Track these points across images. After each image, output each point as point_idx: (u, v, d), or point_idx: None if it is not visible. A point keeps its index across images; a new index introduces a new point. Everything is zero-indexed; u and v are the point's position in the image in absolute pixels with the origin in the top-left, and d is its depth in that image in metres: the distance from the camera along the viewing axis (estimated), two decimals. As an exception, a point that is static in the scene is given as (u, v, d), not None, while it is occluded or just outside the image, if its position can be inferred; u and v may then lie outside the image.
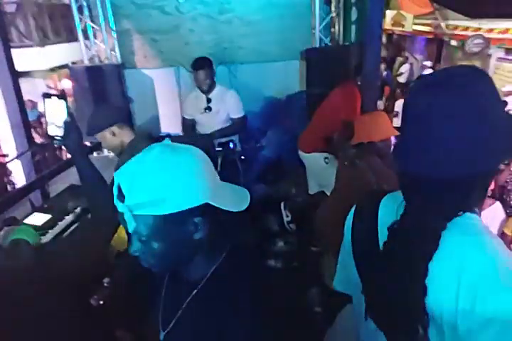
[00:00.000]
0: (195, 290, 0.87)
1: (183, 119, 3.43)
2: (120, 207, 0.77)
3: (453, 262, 0.71)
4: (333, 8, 4.21)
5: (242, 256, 0.96)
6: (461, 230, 0.73)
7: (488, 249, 0.70)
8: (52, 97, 1.28)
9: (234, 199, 0.85)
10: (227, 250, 0.91)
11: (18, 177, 5.50)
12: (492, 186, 3.01)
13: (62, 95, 1.30)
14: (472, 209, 0.77)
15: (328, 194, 3.00)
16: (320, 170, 3.01)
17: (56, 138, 1.29)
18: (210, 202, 0.79)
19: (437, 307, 0.71)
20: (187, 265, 0.87)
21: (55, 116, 1.27)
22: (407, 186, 0.79)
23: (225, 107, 3.24)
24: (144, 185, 0.75)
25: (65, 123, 1.27)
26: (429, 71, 10.02)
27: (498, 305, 0.66)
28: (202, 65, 3.10)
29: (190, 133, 3.39)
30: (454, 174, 0.71)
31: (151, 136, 2.14)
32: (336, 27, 4.32)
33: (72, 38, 8.26)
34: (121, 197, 0.76)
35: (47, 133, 1.31)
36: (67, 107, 1.27)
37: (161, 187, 0.75)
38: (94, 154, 4.15)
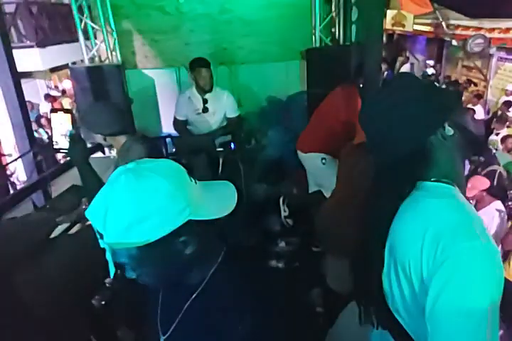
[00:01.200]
0: (195, 295, 0.86)
1: (175, 120, 3.34)
2: (101, 243, 0.74)
3: (422, 219, 0.81)
4: (333, 8, 4.21)
5: (240, 256, 0.95)
6: (433, 195, 0.85)
7: (455, 208, 0.82)
8: (59, 112, 1.38)
9: (219, 203, 0.83)
10: (224, 251, 0.90)
11: (20, 178, 5.52)
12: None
13: (67, 109, 1.39)
14: (446, 180, 0.88)
15: (325, 193, 3.01)
16: (317, 170, 3.01)
17: (62, 150, 1.38)
18: (192, 218, 0.76)
19: (406, 259, 0.80)
20: (185, 274, 0.86)
21: (61, 130, 1.36)
22: (378, 159, 0.96)
23: (222, 108, 3.23)
24: (117, 220, 0.72)
25: (71, 136, 1.35)
26: (431, 70, 10.03)
27: (456, 252, 0.74)
28: (205, 63, 3.08)
29: (184, 133, 3.36)
30: (399, 144, 0.88)
31: (145, 137, 2.12)
32: (336, 27, 4.32)
33: (72, 38, 8.25)
34: (100, 234, 0.74)
35: (53, 145, 1.40)
36: (72, 121, 1.35)
37: (135, 218, 0.71)
38: (96, 155, 4.15)
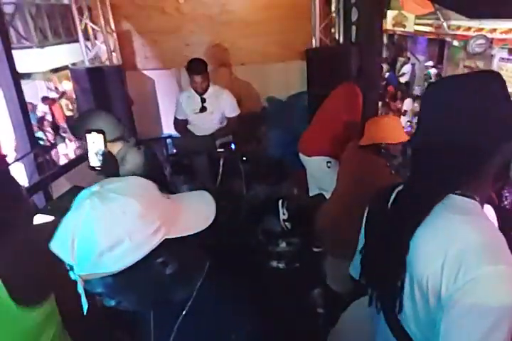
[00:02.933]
0: (184, 312, 0.82)
1: (176, 120, 3.36)
2: (72, 274, 0.69)
3: (443, 236, 0.78)
4: (333, 8, 4.21)
5: (224, 265, 0.91)
6: (458, 210, 0.81)
7: (478, 227, 0.78)
8: (93, 133, 1.50)
9: (197, 215, 0.78)
10: (208, 263, 0.87)
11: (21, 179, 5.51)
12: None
13: (101, 130, 1.50)
14: (472, 195, 0.83)
15: (327, 196, 3.00)
16: (321, 174, 2.97)
17: (96, 168, 1.50)
18: (168, 237, 0.71)
19: (425, 275, 0.78)
20: (169, 295, 0.82)
21: (95, 149, 1.48)
22: (419, 158, 0.89)
23: (220, 107, 3.23)
24: (86, 250, 0.66)
25: (103, 154, 1.46)
26: (432, 70, 10.02)
27: (478, 278, 0.72)
28: (199, 69, 3.07)
29: (184, 133, 3.36)
30: (457, 145, 0.81)
31: (139, 142, 2.10)
32: (336, 27, 4.32)
33: (71, 38, 8.27)
34: (69, 265, 0.69)
35: (89, 164, 1.52)
36: (105, 140, 1.47)
37: (106, 245, 0.66)
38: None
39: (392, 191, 0.94)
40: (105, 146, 1.50)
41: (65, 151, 6.90)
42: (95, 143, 1.52)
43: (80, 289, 0.69)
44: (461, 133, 0.80)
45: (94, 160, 1.53)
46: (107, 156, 1.47)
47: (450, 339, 0.73)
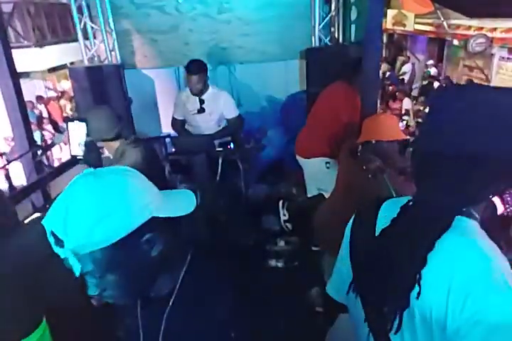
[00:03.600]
0: (170, 303, 0.84)
1: (173, 119, 3.36)
2: (61, 252, 0.71)
3: (447, 262, 0.72)
4: (332, 8, 4.21)
5: (207, 255, 0.94)
6: (459, 231, 0.75)
7: (483, 252, 0.72)
8: (75, 121, 1.48)
9: (180, 203, 0.83)
10: (190, 253, 0.89)
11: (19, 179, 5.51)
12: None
13: (82, 119, 1.49)
14: (473, 214, 0.78)
15: (327, 197, 2.98)
16: (321, 174, 2.95)
17: (78, 156, 1.49)
18: (155, 215, 0.76)
19: (428, 305, 0.72)
20: (154, 284, 0.84)
21: (77, 138, 1.46)
22: (425, 168, 0.82)
23: (219, 108, 3.21)
24: (79, 222, 0.70)
25: (86, 143, 1.45)
26: (433, 69, 10.02)
27: (487, 307, 0.67)
28: (196, 69, 3.05)
29: (182, 133, 3.36)
30: (470, 157, 0.74)
31: (138, 140, 2.10)
32: (336, 27, 4.32)
33: (70, 38, 8.25)
34: (60, 241, 0.70)
35: (70, 152, 1.51)
36: (87, 129, 1.46)
37: (97, 216, 0.70)
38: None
39: (377, 208, 0.89)
40: (87, 135, 1.48)
41: (59, 155, 6.38)
42: (77, 132, 1.50)
43: (73, 261, 0.71)
44: (483, 145, 0.74)
45: (76, 149, 1.52)
46: (90, 145, 1.46)
47: None
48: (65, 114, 8.89)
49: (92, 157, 1.46)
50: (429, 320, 0.72)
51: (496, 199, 0.89)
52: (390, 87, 9.58)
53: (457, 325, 0.68)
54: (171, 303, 0.85)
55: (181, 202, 0.84)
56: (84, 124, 1.46)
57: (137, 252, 0.76)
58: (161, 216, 0.77)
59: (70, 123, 1.50)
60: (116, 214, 0.71)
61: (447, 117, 0.78)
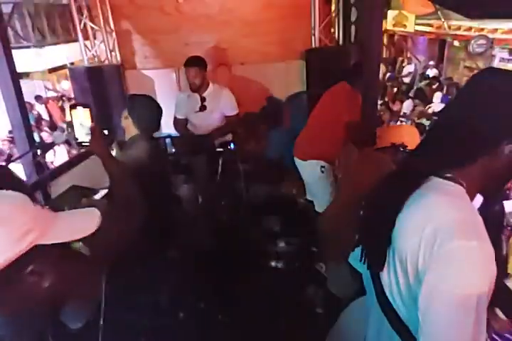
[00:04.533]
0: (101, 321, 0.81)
1: (175, 119, 3.36)
2: None
3: (422, 214, 0.83)
4: (333, 9, 4.21)
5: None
6: (439, 191, 0.85)
7: (454, 207, 0.82)
8: (78, 107, 1.45)
9: (79, 225, 0.77)
10: (104, 278, 0.86)
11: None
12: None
13: (86, 104, 1.46)
14: (458, 180, 0.86)
15: (316, 206, 2.96)
16: (314, 179, 2.93)
17: (84, 143, 1.44)
18: (39, 243, 0.69)
19: (404, 251, 0.83)
20: (57, 318, 0.77)
21: (82, 124, 1.43)
22: (430, 133, 0.96)
23: (220, 106, 3.22)
24: None
25: (91, 129, 1.41)
26: (434, 70, 9.99)
27: (451, 250, 0.76)
28: (192, 62, 3.07)
29: (184, 133, 3.36)
30: (468, 130, 0.83)
31: (153, 137, 2.15)
32: (336, 27, 4.32)
33: (70, 38, 8.25)
34: None
35: (76, 139, 1.46)
36: (92, 115, 1.42)
37: None
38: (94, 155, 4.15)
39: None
40: (92, 121, 1.45)
41: (52, 158, 6.02)
42: (82, 118, 1.47)
43: None
44: (478, 121, 0.83)
45: (82, 136, 1.48)
46: (96, 131, 1.42)
47: (427, 311, 0.77)
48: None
49: (99, 143, 1.45)
50: (405, 265, 0.83)
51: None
52: (394, 89, 9.51)
53: (426, 267, 0.78)
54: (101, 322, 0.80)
55: (82, 223, 0.78)
56: (88, 110, 1.45)
57: (24, 286, 0.69)
58: (47, 243, 0.70)
59: (73, 110, 1.48)
60: None
61: (479, 94, 0.86)
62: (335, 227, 2.18)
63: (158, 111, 2.17)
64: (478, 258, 0.76)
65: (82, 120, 1.45)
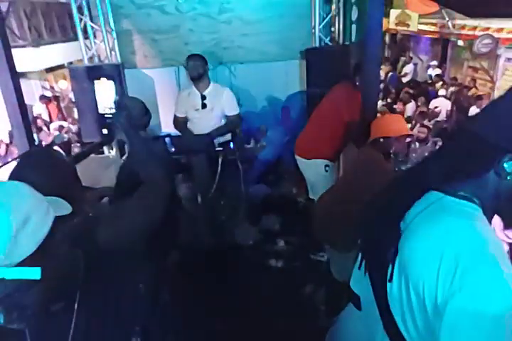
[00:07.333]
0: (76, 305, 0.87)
1: (175, 117, 3.35)
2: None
3: (438, 238, 0.76)
4: (333, 8, 4.21)
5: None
6: (458, 214, 0.79)
7: (475, 231, 0.76)
8: (102, 79, 1.41)
9: (61, 205, 0.90)
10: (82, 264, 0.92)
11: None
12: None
13: (110, 76, 1.42)
14: (473, 199, 0.81)
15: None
16: (317, 177, 2.94)
17: (107, 115, 1.41)
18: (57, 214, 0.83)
19: (420, 279, 0.76)
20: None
21: (105, 96, 1.39)
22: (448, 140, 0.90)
23: (220, 105, 3.21)
24: (1, 230, 0.73)
25: (115, 102, 1.38)
26: (436, 70, 9.89)
27: (476, 280, 0.70)
28: (194, 57, 3.09)
29: (184, 131, 3.37)
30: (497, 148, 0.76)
31: (155, 137, 2.16)
32: (336, 27, 4.32)
33: (67, 37, 8.20)
34: None
35: (98, 112, 1.44)
36: (116, 87, 1.40)
37: (17, 222, 0.74)
38: (93, 155, 4.15)
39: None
40: (116, 94, 1.44)
41: None
42: (105, 90, 1.46)
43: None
44: (496, 133, 0.76)
45: (105, 108, 1.46)
46: (120, 103, 1.40)
47: (455, 337, 0.70)
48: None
49: (123, 115, 1.43)
50: (422, 295, 0.75)
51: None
52: (404, 89, 9.39)
53: (446, 299, 0.71)
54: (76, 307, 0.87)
55: (62, 204, 0.90)
56: (112, 83, 1.44)
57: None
58: (57, 215, 0.83)
59: (96, 81, 1.47)
60: (32, 218, 0.76)
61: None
62: (328, 212, 2.20)
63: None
64: (505, 288, 0.69)
65: (105, 92, 1.43)
